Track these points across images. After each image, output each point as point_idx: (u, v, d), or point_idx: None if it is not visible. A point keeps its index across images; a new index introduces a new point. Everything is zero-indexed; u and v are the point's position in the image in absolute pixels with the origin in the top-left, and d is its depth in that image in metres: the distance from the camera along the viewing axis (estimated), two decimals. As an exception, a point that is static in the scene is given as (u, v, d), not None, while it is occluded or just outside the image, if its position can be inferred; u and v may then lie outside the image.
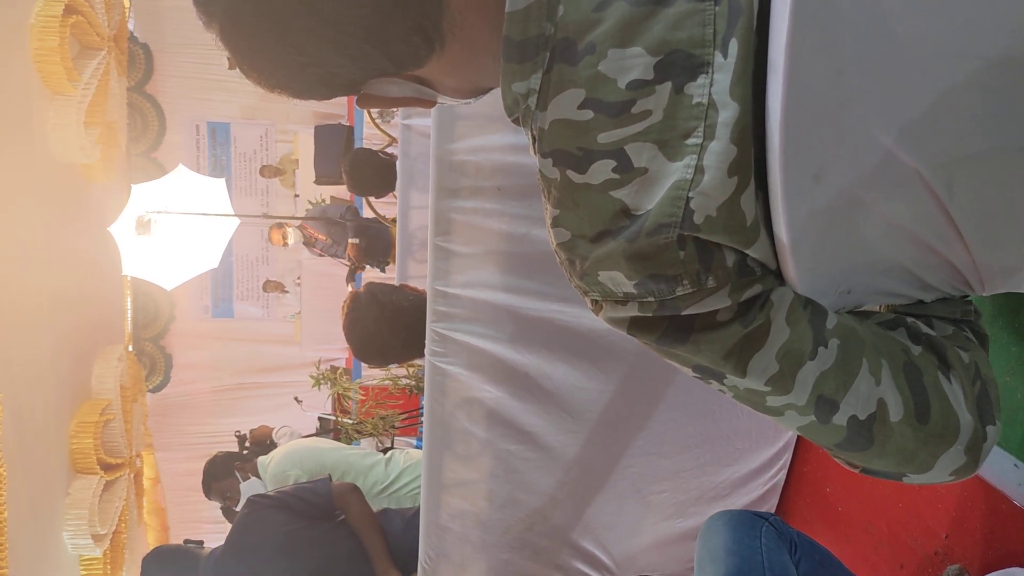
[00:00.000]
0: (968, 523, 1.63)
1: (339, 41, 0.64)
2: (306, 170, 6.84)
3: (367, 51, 0.65)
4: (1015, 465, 1.50)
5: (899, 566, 1.82)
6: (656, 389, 1.98)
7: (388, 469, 2.93)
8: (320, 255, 6.09)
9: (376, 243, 5.27)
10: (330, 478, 2.67)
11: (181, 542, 2.81)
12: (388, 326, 2.09)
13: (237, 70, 0.71)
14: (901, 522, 1.82)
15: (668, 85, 0.60)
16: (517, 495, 1.95)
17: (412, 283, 2.95)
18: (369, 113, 5.32)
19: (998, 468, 1.52)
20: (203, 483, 3.68)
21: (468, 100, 0.77)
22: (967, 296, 0.74)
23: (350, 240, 5.25)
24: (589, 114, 0.62)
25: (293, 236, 6.17)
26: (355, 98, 0.75)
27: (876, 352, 0.66)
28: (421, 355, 1.93)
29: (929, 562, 1.73)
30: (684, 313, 0.63)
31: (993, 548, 1.56)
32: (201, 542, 2.74)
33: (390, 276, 5.25)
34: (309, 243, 6.01)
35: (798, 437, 2.16)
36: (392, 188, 4.45)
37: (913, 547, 1.78)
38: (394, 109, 5.17)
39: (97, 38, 4.59)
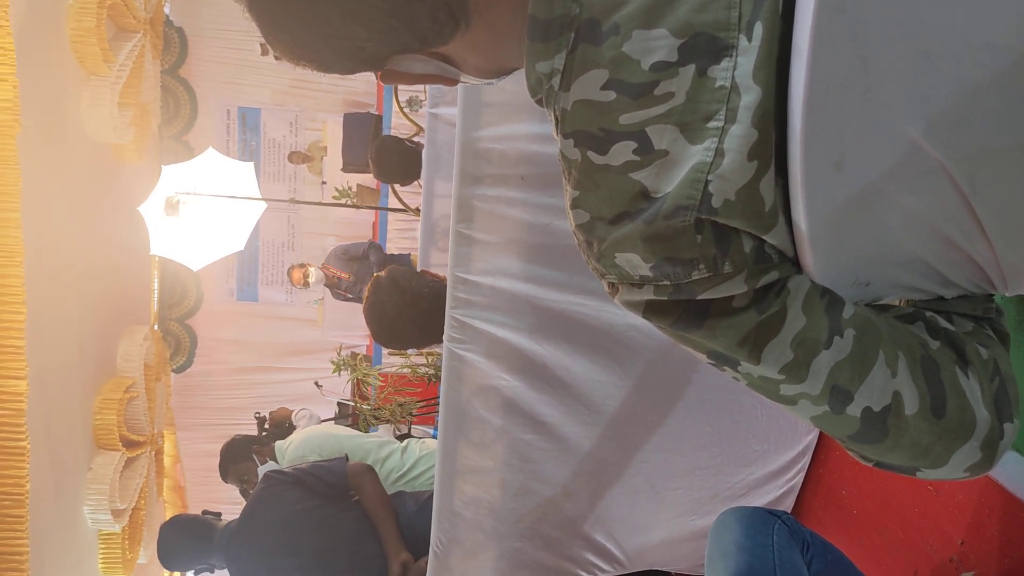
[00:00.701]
0: (984, 530, 1.61)
1: (365, 15, 0.65)
2: (334, 157, 6.88)
3: (393, 26, 0.66)
4: (1035, 473, 1.48)
5: (913, 571, 1.80)
6: (674, 386, 1.98)
7: (404, 457, 2.94)
8: (344, 297, 5.97)
9: None
10: (347, 458, 2.68)
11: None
12: (407, 311, 2.10)
13: (270, 56, 0.71)
14: (916, 527, 1.80)
15: (692, 67, 0.59)
16: (531, 485, 1.95)
17: (434, 270, 2.95)
18: (398, 102, 5.34)
19: (1017, 474, 1.50)
20: (220, 466, 3.69)
21: (491, 80, 0.78)
22: (990, 295, 0.73)
23: (376, 275, 5.25)
24: (612, 95, 0.62)
25: (315, 275, 6.00)
26: (379, 74, 0.75)
27: (893, 344, 0.65)
28: (439, 341, 1.94)
29: (944, 568, 1.71)
30: (700, 298, 0.63)
31: (1009, 556, 1.54)
32: (219, 514, 2.77)
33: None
34: (332, 284, 5.93)
35: (817, 440, 2.14)
36: (417, 176, 4.46)
37: (928, 552, 1.76)
38: (422, 99, 5.19)
39: (133, 21, 4.64)
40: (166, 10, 6.50)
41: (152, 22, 5.19)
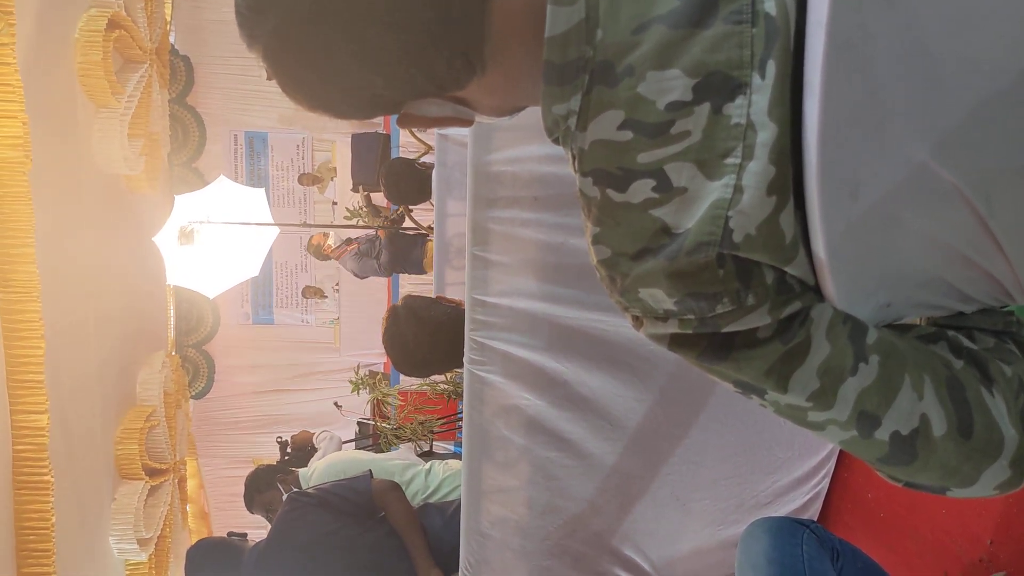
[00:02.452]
0: (1013, 529, 1.61)
1: (383, 66, 0.66)
2: (343, 177, 6.92)
3: (411, 75, 0.67)
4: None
5: (943, 573, 1.79)
6: (696, 398, 1.98)
7: (428, 480, 2.95)
8: (372, 269, 6.10)
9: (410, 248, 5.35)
10: (371, 474, 2.68)
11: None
12: (427, 340, 2.11)
13: (275, 81, 0.73)
14: (945, 528, 1.79)
15: (707, 106, 0.60)
16: (556, 502, 1.96)
17: (449, 289, 2.97)
18: (406, 122, 5.37)
19: (1045, 475, 1.49)
20: (245, 497, 3.67)
21: (505, 118, 0.79)
22: (1008, 306, 0.74)
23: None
24: (629, 135, 0.63)
25: (334, 236, 6.34)
26: (394, 118, 0.76)
27: (918, 367, 0.66)
28: (460, 365, 1.95)
29: (974, 569, 1.70)
30: (724, 331, 0.64)
31: (1040, 556, 1.54)
32: (245, 535, 2.78)
33: (428, 281, 5.30)
34: (339, 253, 6.05)
35: (840, 445, 2.13)
36: (428, 196, 4.49)
37: (957, 554, 1.75)
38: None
39: (139, 52, 4.67)
40: (171, 39, 6.56)
41: (158, 52, 5.22)
